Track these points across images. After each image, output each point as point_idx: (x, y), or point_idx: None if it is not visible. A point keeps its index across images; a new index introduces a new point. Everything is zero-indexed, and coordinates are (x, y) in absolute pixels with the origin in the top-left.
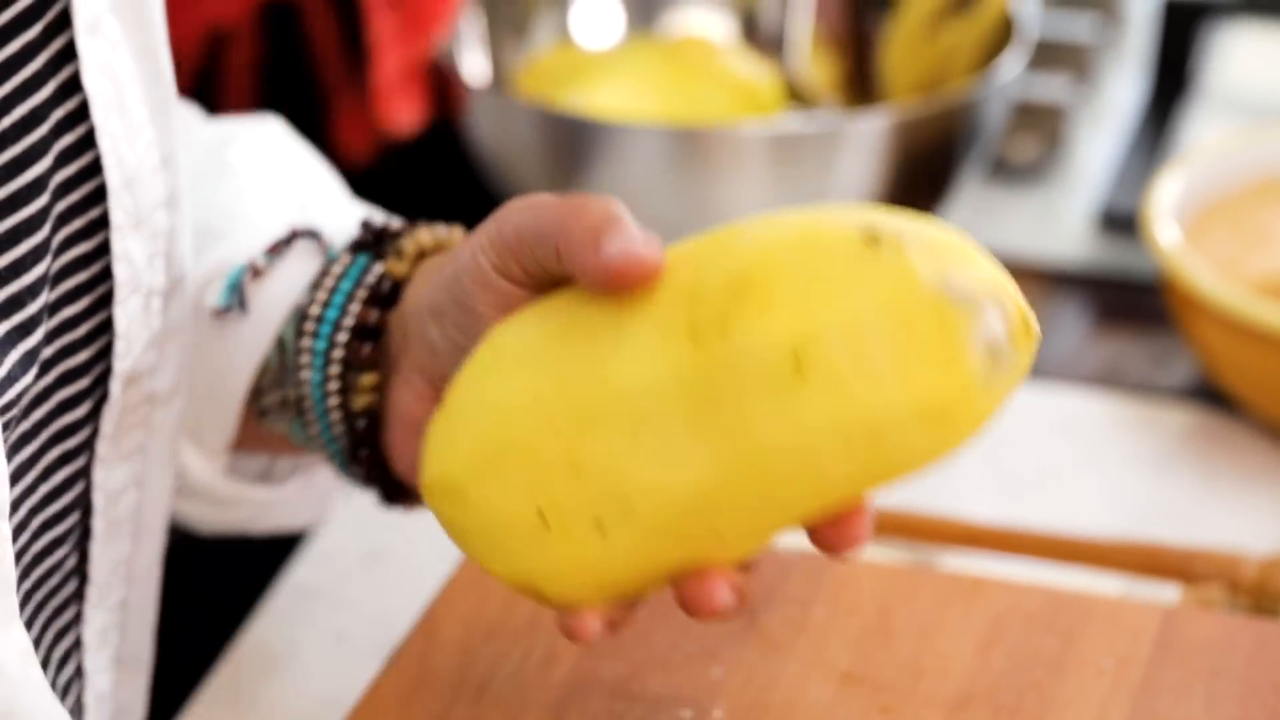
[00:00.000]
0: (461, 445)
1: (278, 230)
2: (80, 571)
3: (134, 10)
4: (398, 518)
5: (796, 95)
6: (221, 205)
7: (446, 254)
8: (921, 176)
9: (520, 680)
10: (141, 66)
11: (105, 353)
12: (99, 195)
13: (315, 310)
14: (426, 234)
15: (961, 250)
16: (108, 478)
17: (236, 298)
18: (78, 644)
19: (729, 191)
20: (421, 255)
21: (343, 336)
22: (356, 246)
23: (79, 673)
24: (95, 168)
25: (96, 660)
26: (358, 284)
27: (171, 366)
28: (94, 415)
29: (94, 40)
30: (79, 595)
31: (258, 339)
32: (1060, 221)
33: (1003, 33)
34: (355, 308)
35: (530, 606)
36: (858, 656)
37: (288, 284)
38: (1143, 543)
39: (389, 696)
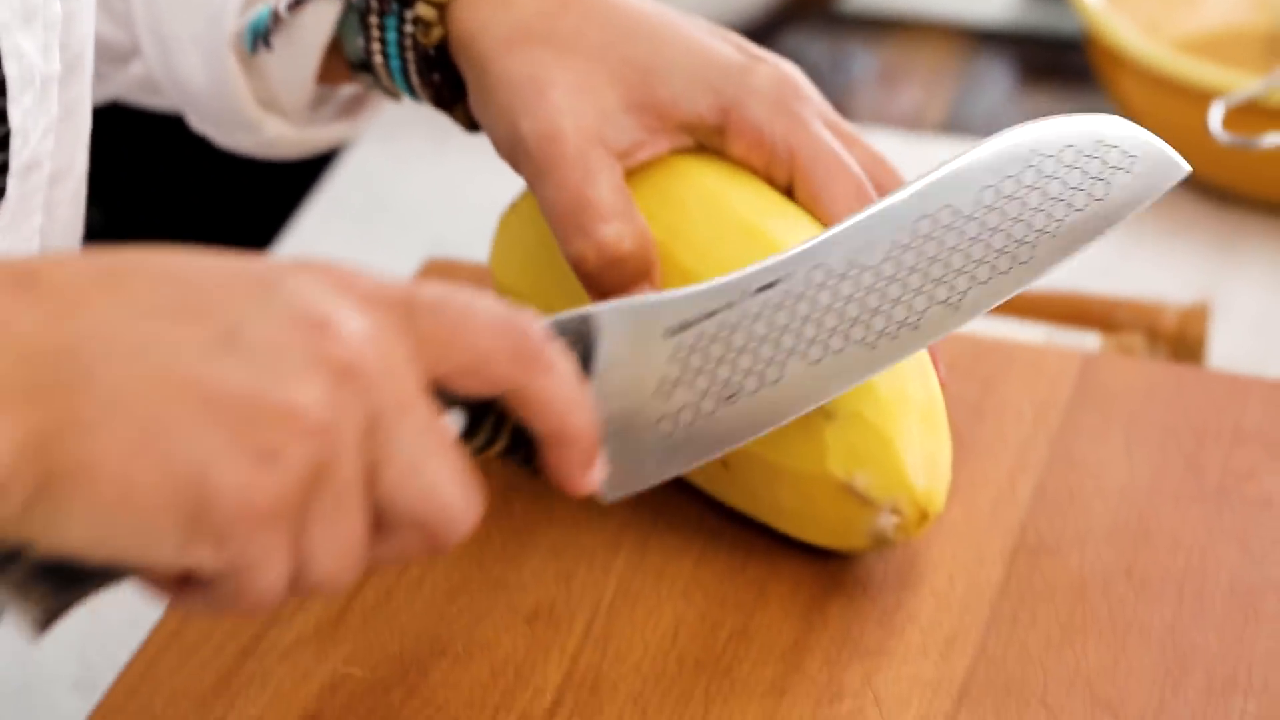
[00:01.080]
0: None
1: None
2: None
3: None
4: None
5: None
6: None
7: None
8: None
9: None
10: None
11: (2, 146)
12: None
13: (378, 60)
14: None
15: (885, 449)
16: None
17: (262, 41)
18: None
19: None
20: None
21: (415, 79)
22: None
23: None
24: None
25: None
26: (402, 46)
27: (68, 147)
28: None
29: None
30: None
31: (319, 29)
32: None
33: None
34: (413, 68)
35: None
36: None
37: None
38: (1065, 293)
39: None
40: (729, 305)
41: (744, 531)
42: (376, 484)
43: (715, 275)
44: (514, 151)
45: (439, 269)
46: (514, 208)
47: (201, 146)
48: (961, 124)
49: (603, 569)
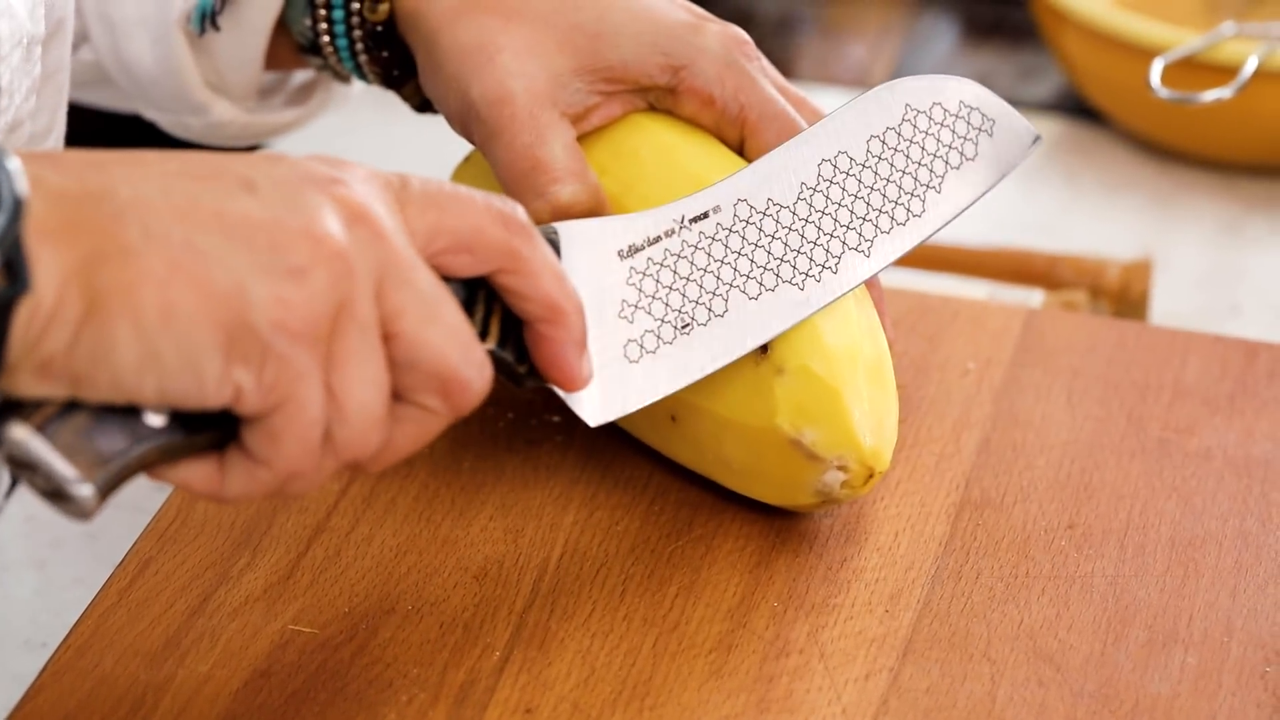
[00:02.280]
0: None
1: None
2: None
3: None
4: None
5: None
6: None
7: None
8: None
9: None
10: None
11: None
12: None
13: (325, 40)
14: None
15: (834, 406)
16: None
17: (209, 22)
18: None
19: None
20: None
21: (363, 59)
22: None
23: None
24: None
25: None
26: (349, 25)
27: (48, 109)
28: None
29: None
30: None
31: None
32: None
33: None
34: (360, 46)
35: None
36: None
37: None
38: (1010, 249)
39: None
40: (669, 233)
41: (691, 489)
42: (393, 335)
43: None
44: (466, 119)
45: None
46: (464, 164)
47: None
48: None
49: (551, 526)
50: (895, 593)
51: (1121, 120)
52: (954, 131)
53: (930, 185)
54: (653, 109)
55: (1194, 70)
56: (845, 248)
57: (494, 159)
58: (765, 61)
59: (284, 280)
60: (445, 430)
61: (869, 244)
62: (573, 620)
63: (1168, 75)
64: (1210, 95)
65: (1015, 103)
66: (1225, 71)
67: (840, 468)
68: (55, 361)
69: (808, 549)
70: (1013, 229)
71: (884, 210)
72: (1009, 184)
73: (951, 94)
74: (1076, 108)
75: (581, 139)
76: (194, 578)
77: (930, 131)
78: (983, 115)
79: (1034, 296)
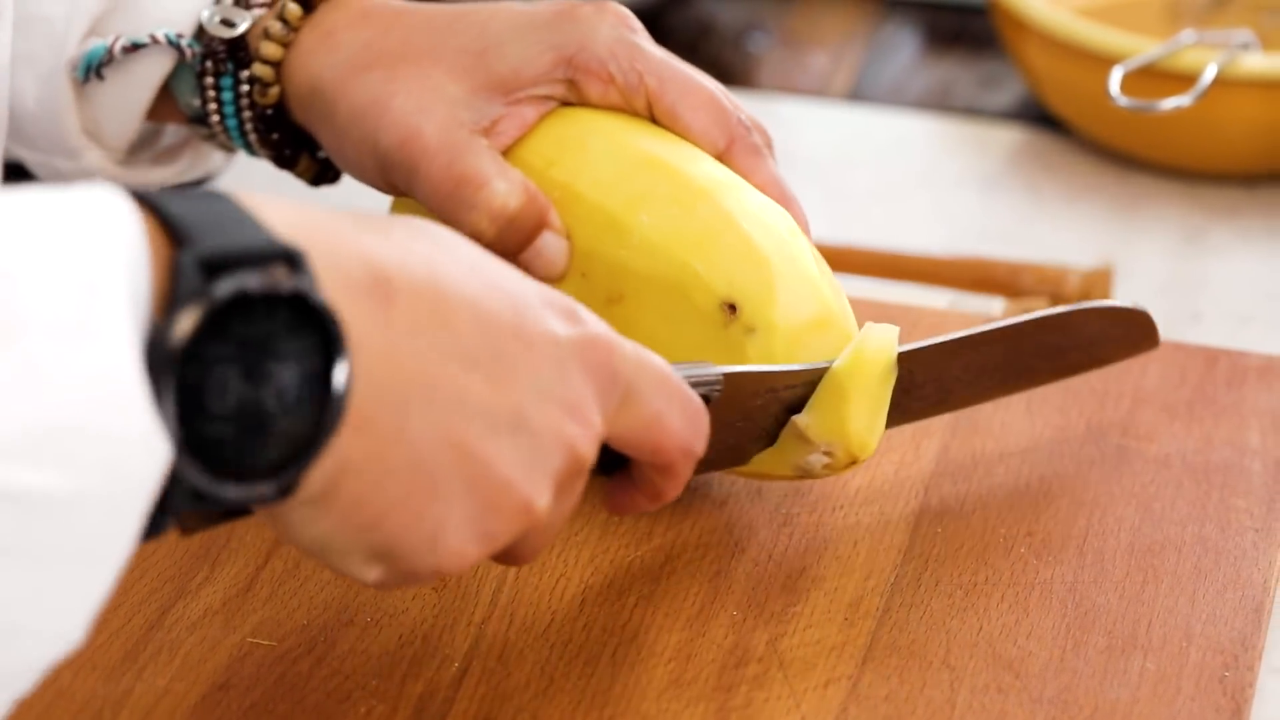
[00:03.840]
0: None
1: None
2: None
3: None
4: None
5: None
6: None
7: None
8: None
9: None
10: None
11: None
12: None
13: (214, 118)
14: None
15: (838, 397)
16: None
17: (94, 73)
18: None
19: None
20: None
21: (254, 138)
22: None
23: None
24: None
25: None
26: (238, 106)
27: None
28: None
29: None
30: None
31: (156, 62)
32: None
33: None
34: (250, 125)
35: None
36: None
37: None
38: (971, 258)
39: None
40: None
41: None
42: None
43: (626, 208)
44: (384, 170)
45: None
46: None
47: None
48: (867, 92)
49: None
50: (854, 601)
51: (1083, 129)
52: None
53: None
54: (567, 104)
55: (1154, 79)
56: None
57: (421, 195)
58: (647, 34)
59: (473, 541)
60: None
61: None
62: (532, 631)
63: (1128, 84)
64: (1169, 103)
65: (976, 112)
66: (1185, 80)
67: (827, 452)
68: (249, 508)
69: (767, 558)
70: (974, 238)
71: None
72: (970, 193)
73: None
74: (1038, 116)
75: (520, 142)
76: (152, 592)
77: None
78: None
79: (995, 305)
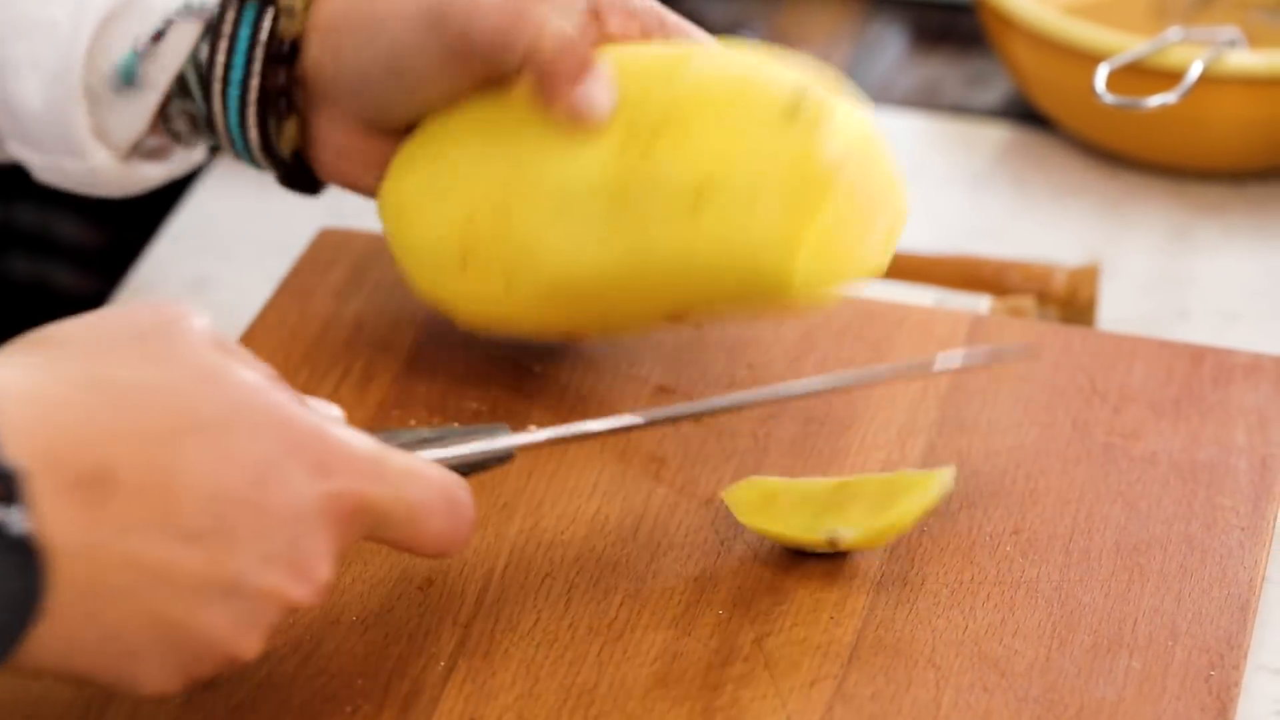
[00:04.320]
0: (420, 172)
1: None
2: None
3: None
4: (221, 246)
5: None
6: None
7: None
8: None
9: (337, 399)
10: None
11: None
12: None
13: (219, 71)
14: None
15: (868, 146)
16: None
17: (131, 80)
18: None
19: None
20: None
21: (253, 94)
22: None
23: None
24: None
25: None
26: (253, 42)
27: None
28: None
29: None
30: None
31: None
32: None
33: None
34: (258, 66)
35: (349, 327)
36: (671, 370)
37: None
38: (957, 256)
39: None
40: None
41: (636, 496)
42: None
43: (673, 61)
44: (436, 25)
45: (333, 239)
46: (407, 145)
47: None
48: (854, 89)
49: (496, 535)
50: (840, 600)
51: (1069, 126)
52: None
53: None
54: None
55: (1140, 76)
56: None
57: (477, 30)
58: None
59: (178, 678)
60: None
61: None
62: (517, 630)
63: (1114, 81)
64: (1155, 100)
65: (964, 109)
66: (1171, 77)
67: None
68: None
69: (752, 557)
70: (960, 235)
71: None
72: (957, 190)
73: None
74: (1025, 114)
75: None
76: None
77: None
78: None
79: (982, 303)
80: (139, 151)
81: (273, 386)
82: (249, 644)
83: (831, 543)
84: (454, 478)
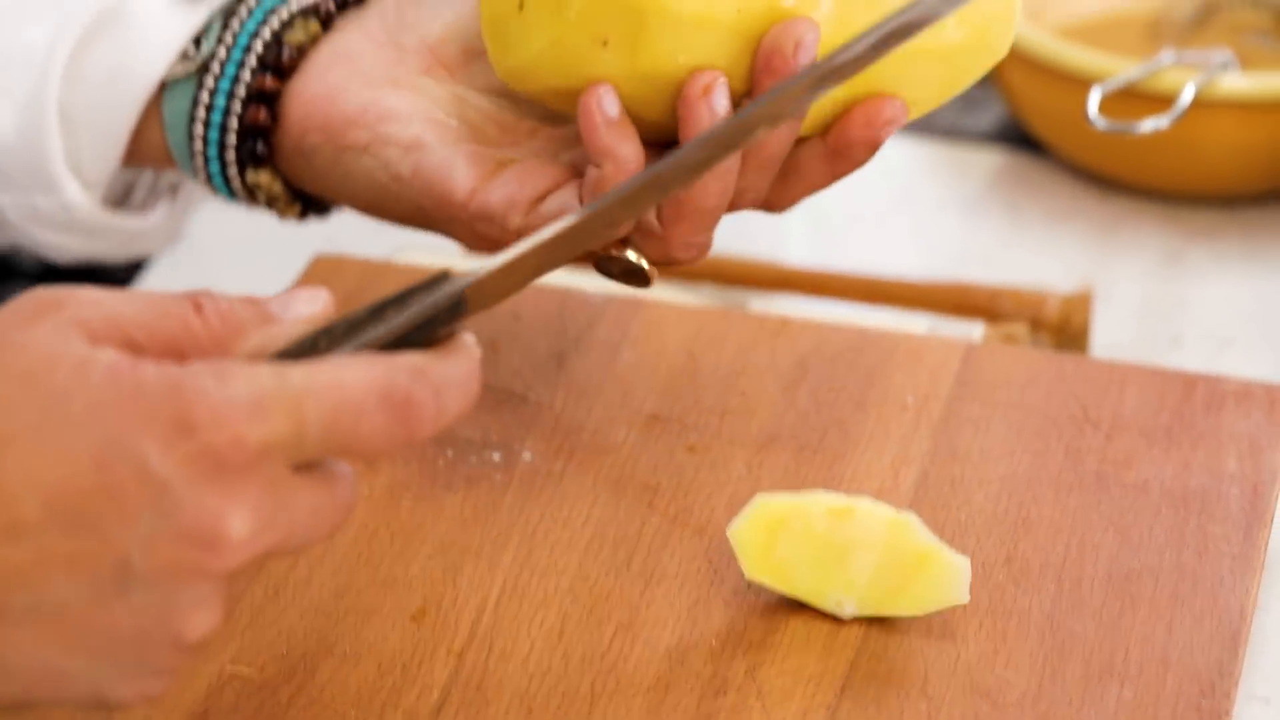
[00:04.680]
0: None
1: None
2: None
3: None
4: (214, 273)
5: None
6: None
7: None
8: None
9: None
10: None
11: None
12: None
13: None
14: None
15: None
16: None
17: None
18: None
19: None
20: None
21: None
22: None
23: None
24: None
25: None
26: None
27: None
28: None
29: None
30: None
31: (145, 79)
32: None
33: None
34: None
35: None
36: (664, 398)
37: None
38: (950, 282)
39: None
40: None
41: (630, 526)
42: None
43: None
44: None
45: (327, 265)
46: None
47: None
48: None
49: (489, 566)
50: (833, 630)
51: (1062, 151)
52: None
53: None
54: None
55: (1132, 100)
56: None
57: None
58: None
59: (149, 678)
60: (383, 469)
61: None
62: (511, 660)
63: (1106, 105)
64: (1148, 125)
65: (957, 134)
66: (1163, 101)
67: None
68: None
69: (745, 586)
70: (953, 261)
71: None
72: (949, 216)
73: None
74: (1018, 138)
75: None
76: None
77: None
78: None
79: (975, 329)
80: (112, 196)
81: (123, 361)
82: (195, 622)
83: (836, 614)
84: (384, 364)
